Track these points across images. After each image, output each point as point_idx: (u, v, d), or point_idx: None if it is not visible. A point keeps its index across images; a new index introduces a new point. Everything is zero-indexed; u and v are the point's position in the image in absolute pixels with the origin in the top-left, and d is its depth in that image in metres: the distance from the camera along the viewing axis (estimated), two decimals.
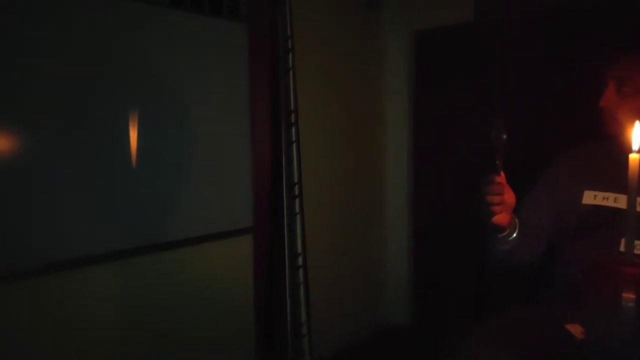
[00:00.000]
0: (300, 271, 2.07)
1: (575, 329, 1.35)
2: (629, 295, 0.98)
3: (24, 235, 1.64)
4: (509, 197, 1.38)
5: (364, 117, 3.07)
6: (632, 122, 1.08)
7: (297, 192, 2.03)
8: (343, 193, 2.93)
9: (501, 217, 1.38)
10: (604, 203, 1.46)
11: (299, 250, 2.06)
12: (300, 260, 2.07)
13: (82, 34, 1.75)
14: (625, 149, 1.06)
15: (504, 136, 1.32)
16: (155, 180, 1.98)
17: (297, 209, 2.05)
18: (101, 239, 1.83)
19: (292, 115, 2.03)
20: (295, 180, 2.03)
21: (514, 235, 1.45)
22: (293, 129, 2.03)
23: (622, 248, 1.34)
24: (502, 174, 1.36)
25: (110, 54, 1.83)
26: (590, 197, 1.49)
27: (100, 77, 1.80)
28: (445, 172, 2.93)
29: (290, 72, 2.04)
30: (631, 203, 1.02)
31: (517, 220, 1.47)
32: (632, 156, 1.01)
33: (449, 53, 2.90)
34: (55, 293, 1.74)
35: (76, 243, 1.76)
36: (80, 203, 1.77)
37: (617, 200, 1.44)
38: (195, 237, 2.13)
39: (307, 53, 2.49)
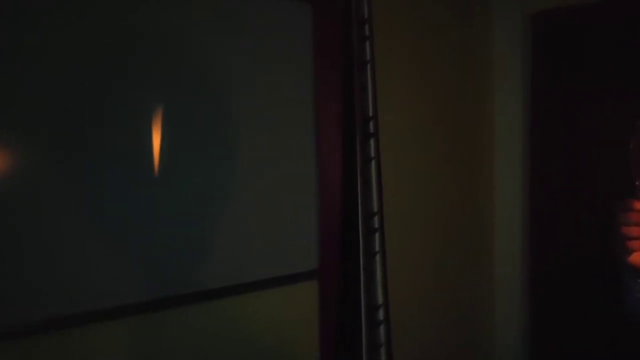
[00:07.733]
0: (381, 329, 2.08)
1: None
2: None
3: (16, 284, 1.57)
4: None
5: (465, 125, 3.03)
6: None
7: (376, 225, 2.05)
8: (436, 226, 2.88)
9: None
10: None
11: (380, 301, 2.08)
12: (380, 315, 2.08)
13: (93, 13, 1.68)
14: None
15: None
16: (188, 210, 1.90)
17: (377, 247, 2.06)
18: (116, 287, 1.76)
19: (371, 124, 2.06)
20: (375, 210, 2.05)
21: None
22: (372, 142, 2.05)
23: None
24: None
25: (131, 39, 1.75)
26: None
27: (115, 69, 1.73)
28: (574, 198, 2.91)
29: (368, 67, 2.06)
30: None
31: None
32: None
33: (576, 40, 2.89)
34: (58, 356, 1.67)
35: (83, 293, 1.69)
36: (88, 240, 1.68)
37: None
38: (241, 284, 2.04)
39: (390, 42, 2.44)
